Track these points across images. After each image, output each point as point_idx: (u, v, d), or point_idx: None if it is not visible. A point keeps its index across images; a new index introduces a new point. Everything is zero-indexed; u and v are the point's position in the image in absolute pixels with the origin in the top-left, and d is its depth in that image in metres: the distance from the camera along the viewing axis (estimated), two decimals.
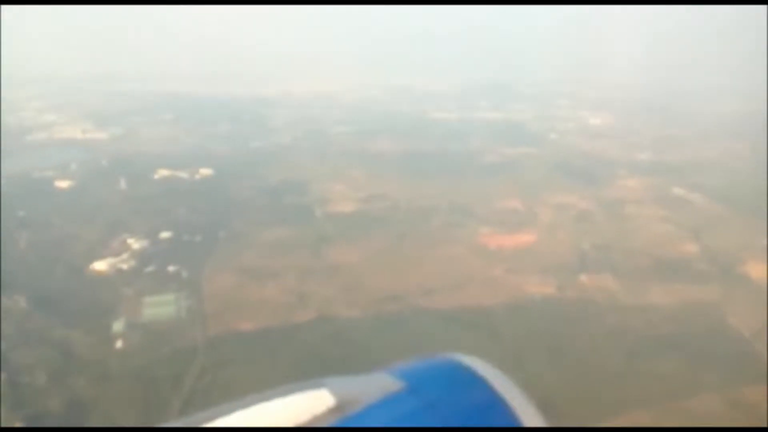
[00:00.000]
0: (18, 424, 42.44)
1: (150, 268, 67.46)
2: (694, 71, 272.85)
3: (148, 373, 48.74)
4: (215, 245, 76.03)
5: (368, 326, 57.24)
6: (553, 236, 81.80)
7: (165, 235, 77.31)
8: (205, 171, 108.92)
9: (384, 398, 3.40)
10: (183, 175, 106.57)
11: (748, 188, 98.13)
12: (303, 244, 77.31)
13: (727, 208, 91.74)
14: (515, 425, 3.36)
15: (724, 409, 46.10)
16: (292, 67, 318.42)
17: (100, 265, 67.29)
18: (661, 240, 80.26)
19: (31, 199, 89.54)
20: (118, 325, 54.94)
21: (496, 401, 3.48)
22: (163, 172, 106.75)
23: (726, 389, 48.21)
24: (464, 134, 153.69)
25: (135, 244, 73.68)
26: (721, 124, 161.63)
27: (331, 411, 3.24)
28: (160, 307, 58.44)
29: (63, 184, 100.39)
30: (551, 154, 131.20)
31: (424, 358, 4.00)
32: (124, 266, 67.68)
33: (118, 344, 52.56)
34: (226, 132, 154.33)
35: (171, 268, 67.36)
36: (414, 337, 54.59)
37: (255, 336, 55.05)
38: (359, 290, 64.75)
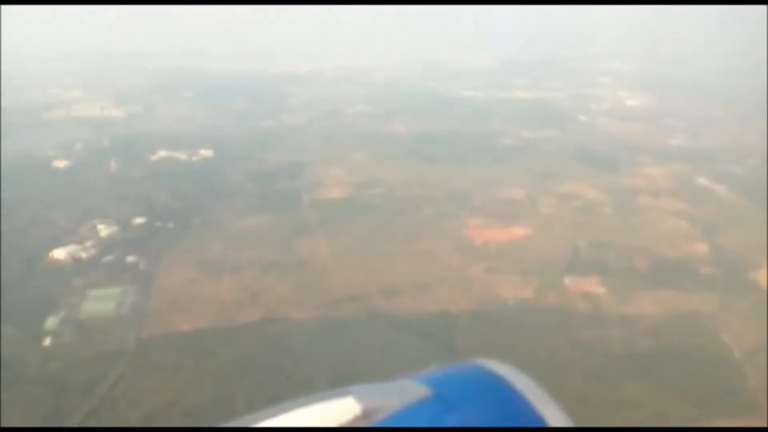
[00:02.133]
0: None
1: (108, 258, 65.12)
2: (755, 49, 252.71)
3: (63, 377, 46.23)
4: (185, 234, 73.26)
5: (314, 331, 53.12)
6: (549, 231, 75.41)
7: (138, 221, 75.13)
8: (205, 152, 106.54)
9: (410, 405, 3.27)
10: (181, 156, 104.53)
11: None
12: (277, 234, 73.67)
13: (753, 202, 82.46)
14: (543, 428, 3.21)
15: None
16: (331, 44, 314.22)
17: (59, 253, 65.39)
18: (668, 237, 72.70)
19: (21, 180, 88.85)
20: (52, 321, 52.68)
21: (523, 405, 3.35)
22: (161, 153, 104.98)
23: (693, 423, 41.99)
24: (487, 115, 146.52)
25: (104, 230, 71.64)
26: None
27: (358, 419, 3.13)
28: (102, 302, 55.89)
29: (60, 164, 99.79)
30: (574, 138, 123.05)
31: (450, 364, 3.86)
32: (83, 255, 65.58)
33: (46, 342, 50.32)
34: (243, 110, 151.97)
35: (130, 259, 64.91)
36: (357, 347, 50.37)
37: (191, 338, 51.85)
38: (318, 289, 60.62)
